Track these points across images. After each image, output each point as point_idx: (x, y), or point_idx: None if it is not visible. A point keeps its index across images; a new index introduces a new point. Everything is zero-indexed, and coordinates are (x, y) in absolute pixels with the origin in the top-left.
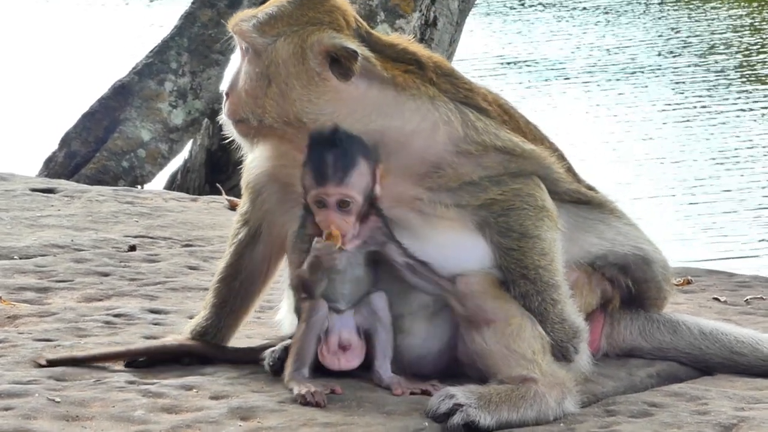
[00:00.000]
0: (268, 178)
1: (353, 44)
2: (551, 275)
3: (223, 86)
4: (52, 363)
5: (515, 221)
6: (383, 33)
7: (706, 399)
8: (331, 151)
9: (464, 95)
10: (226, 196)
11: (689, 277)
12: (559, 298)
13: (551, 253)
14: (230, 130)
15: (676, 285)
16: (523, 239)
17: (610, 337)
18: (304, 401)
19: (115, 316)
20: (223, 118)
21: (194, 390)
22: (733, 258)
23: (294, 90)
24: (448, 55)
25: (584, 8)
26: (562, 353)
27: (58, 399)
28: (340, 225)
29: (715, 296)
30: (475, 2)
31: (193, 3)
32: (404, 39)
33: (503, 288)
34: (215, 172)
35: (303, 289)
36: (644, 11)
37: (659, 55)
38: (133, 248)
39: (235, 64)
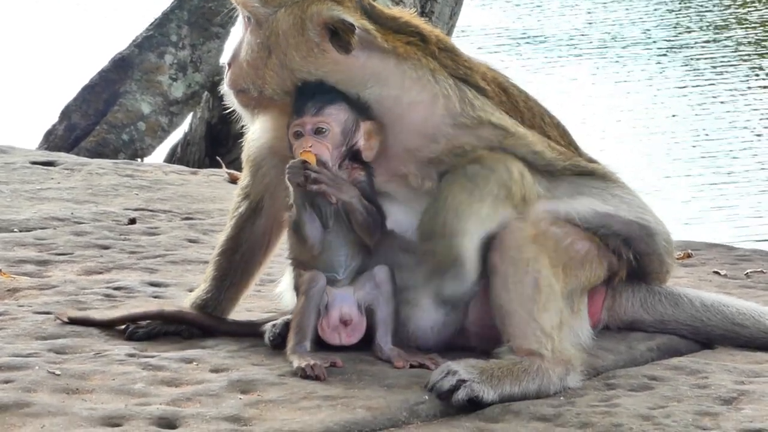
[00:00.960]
0: (268, 152)
1: (352, 17)
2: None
3: (223, 59)
4: (72, 321)
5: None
6: (384, 6)
7: (706, 372)
8: (311, 92)
9: (464, 72)
10: (227, 169)
11: (689, 251)
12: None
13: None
14: (231, 101)
15: (677, 258)
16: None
17: (611, 310)
18: (304, 374)
19: (115, 289)
20: (225, 88)
21: (194, 363)
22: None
23: (293, 61)
24: (449, 28)
25: None
26: None
27: (58, 372)
28: (314, 147)
29: (716, 270)
30: None
31: None
32: (407, 12)
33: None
34: (215, 145)
35: (295, 232)
36: None
37: (673, 30)
38: (133, 221)
39: (236, 36)
